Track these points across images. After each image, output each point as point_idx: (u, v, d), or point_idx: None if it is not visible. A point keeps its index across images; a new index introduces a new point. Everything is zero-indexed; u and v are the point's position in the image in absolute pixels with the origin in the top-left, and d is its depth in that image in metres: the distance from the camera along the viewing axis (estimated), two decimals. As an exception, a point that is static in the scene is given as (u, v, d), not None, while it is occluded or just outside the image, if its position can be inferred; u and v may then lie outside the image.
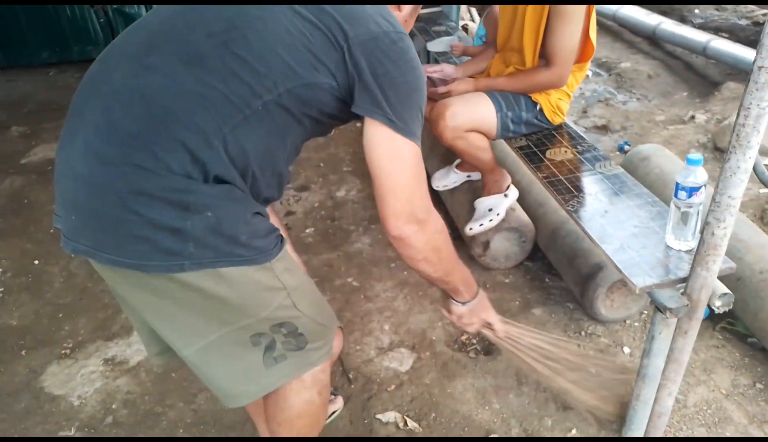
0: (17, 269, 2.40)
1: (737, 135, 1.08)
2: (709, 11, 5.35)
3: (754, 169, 1.45)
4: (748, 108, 1.05)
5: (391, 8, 1.06)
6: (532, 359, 1.48)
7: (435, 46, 2.99)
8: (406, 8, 1.14)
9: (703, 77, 3.81)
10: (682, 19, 5.03)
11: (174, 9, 0.99)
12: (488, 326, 1.38)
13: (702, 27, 4.82)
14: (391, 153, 0.98)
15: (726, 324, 1.87)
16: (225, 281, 0.93)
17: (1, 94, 4.32)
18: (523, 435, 1.59)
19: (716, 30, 4.57)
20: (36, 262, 2.43)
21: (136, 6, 4.51)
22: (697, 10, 5.39)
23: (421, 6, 1.20)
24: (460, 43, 2.78)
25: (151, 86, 0.90)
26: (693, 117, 3.23)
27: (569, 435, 1.58)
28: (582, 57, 1.93)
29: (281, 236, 1.03)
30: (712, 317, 1.88)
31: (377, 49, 0.95)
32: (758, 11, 5.04)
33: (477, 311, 1.33)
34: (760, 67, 1.02)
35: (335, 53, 0.94)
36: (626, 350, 1.82)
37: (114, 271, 0.95)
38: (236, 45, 0.91)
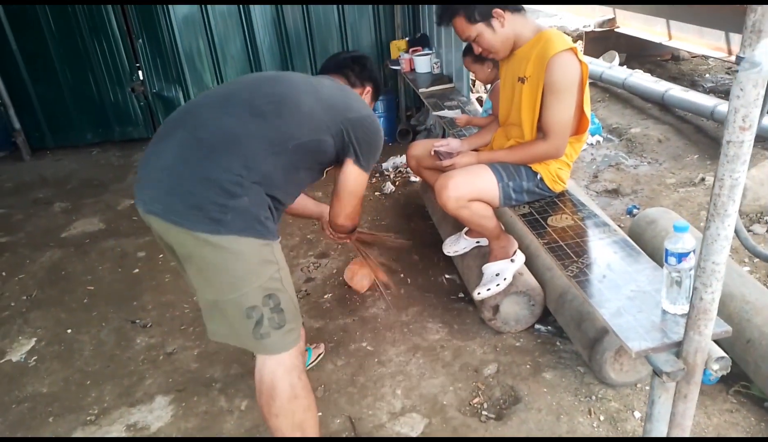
0: (51, 337, 2.53)
1: (714, 204, 1.14)
2: (720, 75, 5.47)
3: (737, 235, 1.50)
4: (722, 179, 1.12)
5: (358, 92, 1.80)
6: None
7: (442, 113, 3.18)
8: (367, 97, 1.86)
9: (713, 140, 3.87)
10: (693, 84, 5.15)
11: (236, 84, 1.62)
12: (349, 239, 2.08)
13: (713, 91, 4.93)
14: (354, 182, 1.66)
15: (740, 387, 1.85)
16: (242, 245, 1.39)
17: (48, 172, 4.66)
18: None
19: (727, 94, 4.66)
20: (69, 331, 2.57)
21: (174, 91, 4.89)
22: (707, 75, 5.52)
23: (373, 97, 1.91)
24: (465, 115, 2.95)
25: (230, 124, 1.46)
26: (703, 179, 3.28)
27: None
28: (578, 129, 2.04)
29: None
30: (725, 380, 1.86)
31: (362, 125, 1.62)
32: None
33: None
34: (728, 142, 1.10)
35: (337, 126, 1.58)
36: (637, 414, 1.81)
37: (173, 228, 1.40)
38: (282, 112, 1.51)
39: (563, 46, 1.86)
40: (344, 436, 1.86)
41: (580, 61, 1.89)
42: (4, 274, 3.10)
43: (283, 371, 1.46)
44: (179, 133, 1.45)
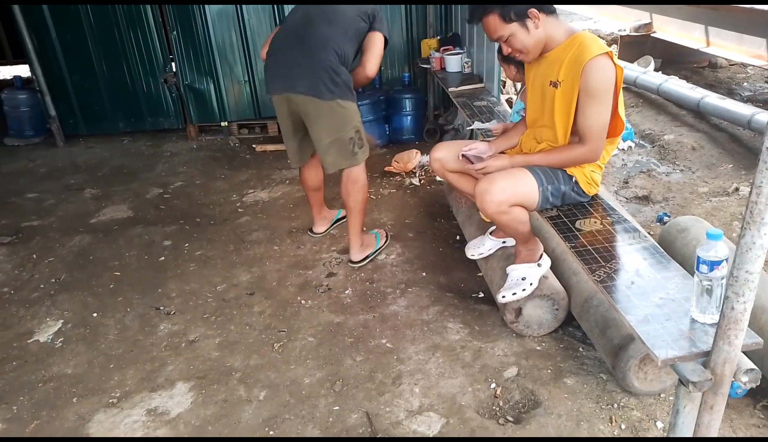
0: (77, 320, 2.59)
1: (751, 212, 1.11)
2: (759, 84, 5.31)
3: (774, 243, 1.45)
4: (760, 186, 1.09)
5: None
6: None
7: (477, 125, 3.13)
8: None
9: (749, 149, 3.76)
10: (730, 92, 5.02)
11: (304, 10, 2.65)
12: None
13: (750, 100, 4.79)
14: (379, 44, 2.64)
15: (769, 403, 1.79)
16: (346, 104, 2.58)
17: (81, 159, 4.78)
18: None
19: (766, 103, 4.53)
20: (95, 314, 2.63)
21: (205, 83, 4.96)
22: (746, 83, 5.37)
23: None
24: (500, 124, 2.89)
25: (320, 31, 2.53)
26: (737, 189, 3.18)
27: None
28: (613, 132, 1.99)
29: None
30: (753, 395, 1.81)
31: (375, 10, 2.67)
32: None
33: None
34: (767, 148, 1.07)
35: (365, 14, 2.63)
36: (659, 424, 1.76)
37: (306, 98, 2.52)
38: (340, 16, 2.58)
39: (599, 50, 1.82)
40: (360, 431, 1.86)
41: (615, 64, 1.85)
42: (34, 257, 3.18)
43: (360, 170, 2.74)
44: (294, 45, 2.52)
